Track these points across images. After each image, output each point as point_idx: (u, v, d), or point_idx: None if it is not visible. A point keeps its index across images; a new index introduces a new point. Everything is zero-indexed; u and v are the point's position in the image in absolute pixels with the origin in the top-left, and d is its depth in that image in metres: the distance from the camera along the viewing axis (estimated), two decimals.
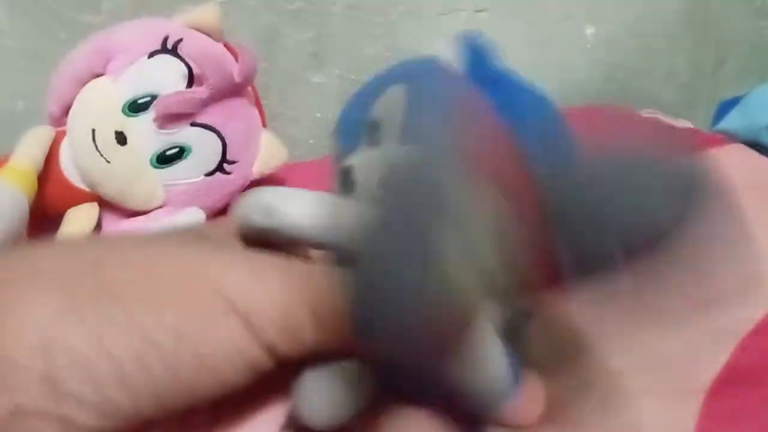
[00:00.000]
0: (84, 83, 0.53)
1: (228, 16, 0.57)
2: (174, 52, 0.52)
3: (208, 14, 0.55)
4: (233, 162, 0.54)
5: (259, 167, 0.56)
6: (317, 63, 0.77)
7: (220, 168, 0.54)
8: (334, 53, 0.77)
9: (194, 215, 0.52)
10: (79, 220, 0.53)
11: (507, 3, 0.82)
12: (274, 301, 0.23)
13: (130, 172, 0.52)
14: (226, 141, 0.53)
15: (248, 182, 0.56)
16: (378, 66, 0.78)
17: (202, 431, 0.26)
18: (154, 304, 0.22)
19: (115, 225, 0.54)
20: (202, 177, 0.53)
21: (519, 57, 0.88)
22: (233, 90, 0.53)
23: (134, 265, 0.23)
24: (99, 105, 0.52)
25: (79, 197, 0.53)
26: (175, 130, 0.51)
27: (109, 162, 0.51)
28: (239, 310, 0.23)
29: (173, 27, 0.54)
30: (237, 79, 0.52)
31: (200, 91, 0.51)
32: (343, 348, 0.25)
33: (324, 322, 0.24)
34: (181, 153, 0.52)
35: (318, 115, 0.79)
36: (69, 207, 0.53)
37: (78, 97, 0.53)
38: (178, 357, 0.22)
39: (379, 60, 0.79)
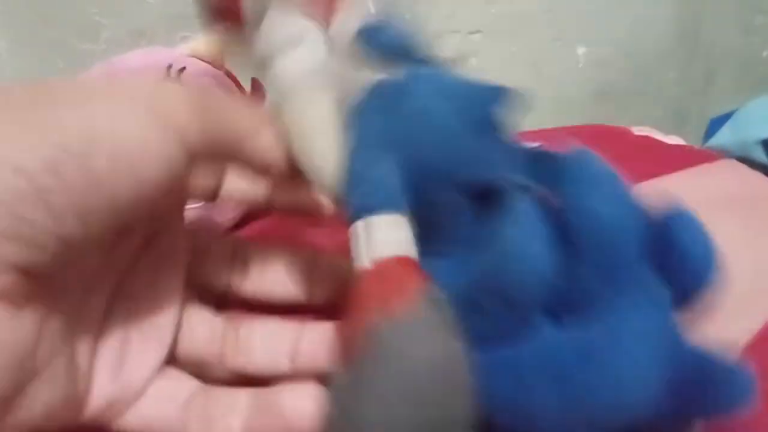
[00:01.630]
0: None
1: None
2: (177, 80, 0.53)
3: (210, 44, 0.56)
4: None
5: None
6: None
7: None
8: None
9: None
10: None
11: (500, 24, 0.83)
12: (188, 97, 0.24)
13: None
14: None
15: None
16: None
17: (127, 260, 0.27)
18: (63, 109, 0.21)
19: None
20: (202, 202, 0.54)
21: (512, 77, 0.89)
22: None
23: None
24: None
25: None
26: None
27: None
28: (149, 104, 0.22)
29: (176, 55, 0.55)
30: None
31: None
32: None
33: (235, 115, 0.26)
34: None
35: None
36: None
37: None
38: (92, 160, 0.20)
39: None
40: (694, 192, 0.59)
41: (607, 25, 0.89)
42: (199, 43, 0.56)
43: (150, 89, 0.23)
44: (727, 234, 0.53)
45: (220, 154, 0.25)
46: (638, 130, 0.79)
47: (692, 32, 0.95)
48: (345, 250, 0.25)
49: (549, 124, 0.83)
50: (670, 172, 0.64)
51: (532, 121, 0.88)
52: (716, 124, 0.87)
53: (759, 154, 0.80)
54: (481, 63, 0.84)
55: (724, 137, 0.84)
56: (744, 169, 0.68)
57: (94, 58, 0.60)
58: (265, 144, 0.27)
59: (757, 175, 0.66)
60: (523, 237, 0.23)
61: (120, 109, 0.22)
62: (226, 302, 0.31)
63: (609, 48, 0.90)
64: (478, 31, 0.83)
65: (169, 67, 0.53)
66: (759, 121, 0.82)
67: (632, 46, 0.92)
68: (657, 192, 0.62)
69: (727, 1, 0.95)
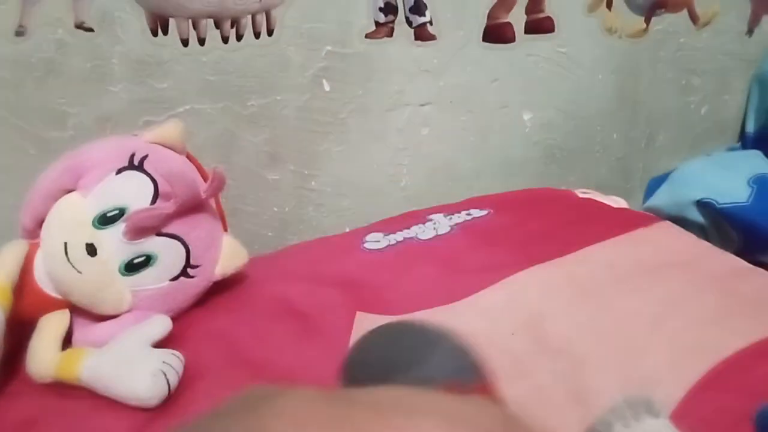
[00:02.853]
0: (56, 198, 0.57)
1: (188, 123, 0.62)
2: (140, 168, 0.56)
3: (170, 130, 0.59)
4: (196, 266, 0.58)
5: (221, 269, 0.60)
6: (272, 161, 0.81)
7: (184, 273, 0.57)
8: (288, 151, 0.82)
9: (161, 322, 0.55)
10: (51, 326, 0.56)
11: (448, 96, 0.88)
12: None
13: (100, 280, 0.55)
14: (190, 247, 0.57)
15: (211, 283, 0.60)
16: (329, 160, 0.83)
17: None
18: None
19: (85, 330, 0.57)
20: (168, 282, 0.57)
21: (462, 143, 0.94)
22: (198, 204, 0.58)
23: None
24: (71, 219, 0.56)
25: (51, 305, 0.56)
26: (143, 240, 0.55)
27: (80, 272, 0.55)
28: None
29: (139, 144, 0.58)
30: (203, 196, 0.57)
31: (167, 207, 0.55)
32: None
33: None
34: (147, 261, 0.56)
35: (275, 209, 0.83)
36: (42, 314, 0.56)
37: (51, 212, 0.57)
38: None
39: (330, 154, 0.84)
40: (630, 258, 0.64)
41: (551, 91, 0.94)
42: (161, 130, 0.60)
43: None
44: (660, 296, 0.57)
45: None
46: (582, 193, 0.84)
47: (632, 95, 1.01)
48: None
49: (500, 188, 0.88)
50: (610, 237, 0.68)
51: (483, 185, 0.93)
52: (655, 184, 0.92)
53: (694, 214, 0.85)
54: (432, 132, 0.89)
55: (661, 198, 0.89)
56: (678, 232, 0.72)
57: (63, 144, 0.64)
58: None
59: (686, 240, 0.70)
60: None
61: None
62: None
63: (553, 113, 0.96)
64: (428, 103, 0.87)
65: (132, 155, 0.57)
66: (693, 183, 0.87)
67: (575, 110, 0.97)
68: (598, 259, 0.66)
69: (664, 64, 1.01)
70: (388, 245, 0.68)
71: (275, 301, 0.61)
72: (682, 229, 0.73)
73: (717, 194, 0.85)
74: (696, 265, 0.64)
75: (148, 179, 0.56)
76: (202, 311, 0.60)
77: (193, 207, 0.58)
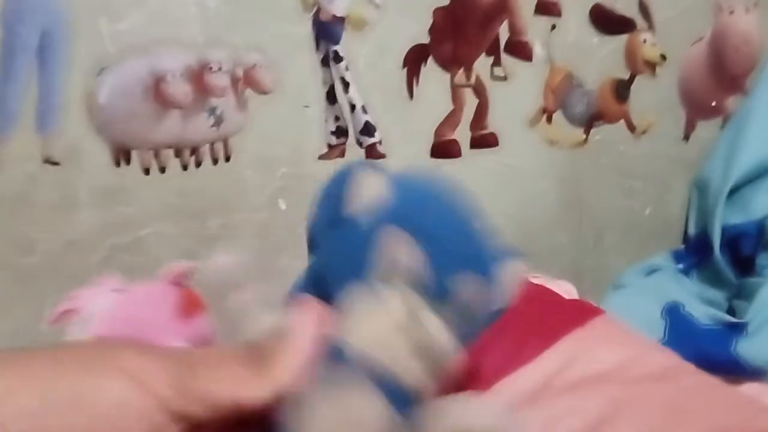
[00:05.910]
0: None
1: (152, 244, 0.66)
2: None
3: None
4: None
5: None
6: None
7: None
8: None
9: None
10: None
11: None
12: (164, 365, 0.28)
13: None
14: None
15: None
16: (292, 278, 0.86)
17: None
18: (56, 372, 0.27)
19: None
20: None
21: None
22: None
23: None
24: None
25: None
26: None
27: None
28: (132, 373, 0.27)
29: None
30: None
31: None
32: None
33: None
34: None
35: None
36: None
37: None
38: (74, 415, 0.26)
39: (292, 274, 0.88)
40: (576, 365, 0.66)
41: (498, 201, 0.99)
42: None
43: (132, 357, 0.29)
44: (600, 407, 0.60)
45: (212, 408, 0.29)
46: (534, 278, 0.87)
47: (577, 200, 1.06)
48: None
49: None
50: (559, 337, 0.70)
51: None
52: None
53: None
54: None
55: None
56: (617, 327, 0.74)
57: (32, 269, 0.68)
58: (256, 394, 0.30)
59: (625, 337, 0.72)
60: None
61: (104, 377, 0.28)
62: None
63: (502, 220, 0.99)
64: None
65: None
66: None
67: (523, 217, 1.02)
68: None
69: (606, 171, 1.07)
70: None
71: None
72: (621, 323, 0.75)
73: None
74: (636, 365, 0.66)
75: None
76: None
77: None
